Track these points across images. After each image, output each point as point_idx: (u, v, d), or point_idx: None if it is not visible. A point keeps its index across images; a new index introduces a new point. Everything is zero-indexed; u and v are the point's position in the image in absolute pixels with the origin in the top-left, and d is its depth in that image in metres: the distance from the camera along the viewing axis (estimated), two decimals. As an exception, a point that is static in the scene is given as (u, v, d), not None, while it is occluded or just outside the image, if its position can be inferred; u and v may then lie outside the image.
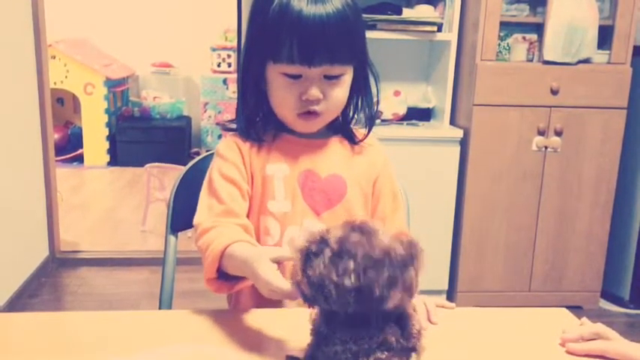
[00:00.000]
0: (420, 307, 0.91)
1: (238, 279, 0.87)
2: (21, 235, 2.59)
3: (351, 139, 1.04)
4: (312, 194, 0.99)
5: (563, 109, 2.41)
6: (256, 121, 1.01)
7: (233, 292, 0.93)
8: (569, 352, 0.82)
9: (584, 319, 0.89)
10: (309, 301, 0.64)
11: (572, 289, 2.58)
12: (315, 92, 0.92)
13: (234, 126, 1.02)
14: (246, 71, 0.98)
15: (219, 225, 0.91)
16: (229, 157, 0.99)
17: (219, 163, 0.99)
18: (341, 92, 0.95)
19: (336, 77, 0.93)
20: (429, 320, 0.90)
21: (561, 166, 2.46)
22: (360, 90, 1.00)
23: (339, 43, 0.91)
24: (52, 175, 2.89)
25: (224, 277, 0.89)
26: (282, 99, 0.95)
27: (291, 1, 0.89)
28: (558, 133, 2.43)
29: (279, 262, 0.75)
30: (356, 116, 1.03)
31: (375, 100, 1.03)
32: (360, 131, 1.05)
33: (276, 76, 0.93)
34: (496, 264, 2.53)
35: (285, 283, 0.70)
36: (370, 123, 1.03)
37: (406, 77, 2.74)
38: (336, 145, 1.03)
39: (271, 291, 0.72)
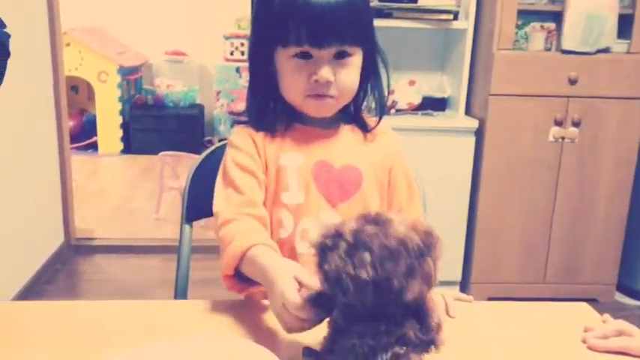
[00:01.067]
0: (439, 299, 0.90)
1: (252, 282, 0.86)
2: (36, 222, 2.61)
3: (363, 127, 1.03)
4: (327, 185, 0.98)
5: (581, 99, 2.37)
6: (267, 112, 1.00)
7: (243, 294, 0.93)
8: (590, 349, 0.81)
9: (607, 316, 0.87)
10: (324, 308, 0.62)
11: (588, 282, 2.55)
12: (325, 73, 0.91)
13: (246, 118, 1.01)
14: (255, 60, 0.98)
15: (239, 219, 0.91)
16: (243, 147, 0.98)
17: (233, 154, 0.98)
18: (351, 74, 0.94)
19: (346, 57, 0.92)
20: (448, 314, 0.89)
21: (578, 158, 2.43)
22: (370, 76, 0.99)
23: (347, 23, 0.90)
24: (67, 163, 2.91)
25: (239, 275, 0.88)
26: (292, 81, 0.94)
27: None
28: (576, 124, 2.39)
29: (300, 284, 0.72)
30: (366, 103, 1.02)
31: (386, 87, 1.01)
32: (372, 120, 1.04)
33: (286, 61, 0.93)
34: (511, 255, 2.51)
35: (297, 298, 0.69)
36: (381, 110, 1.02)
37: (421, 66, 2.71)
38: (348, 134, 1.02)
39: (280, 306, 0.71)
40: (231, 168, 0.97)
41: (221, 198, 0.95)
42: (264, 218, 0.94)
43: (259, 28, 0.97)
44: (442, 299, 0.91)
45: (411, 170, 1.06)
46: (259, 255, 0.83)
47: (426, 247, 0.61)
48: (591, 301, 2.45)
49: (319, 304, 0.67)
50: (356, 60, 0.94)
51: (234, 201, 0.94)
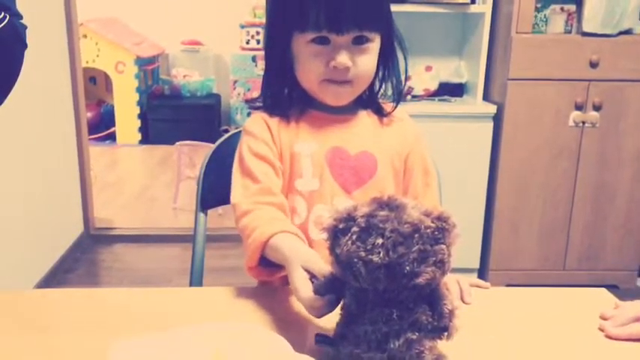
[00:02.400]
0: (454, 286, 0.89)
1: (279, 266, 0.86)
2: (56, 212, 2.65)
3: (379, 112, 1.02)
4: (342, 172, 0.97)
5: (602, 82, 2.32)
6: (282, 97, 0.99)
7: (273, 279, 0.92)
8: (608, 337, 0.80)
9: (618, 302, 0.86)
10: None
11: (609, 268, 2.52)
12: (343, 59, 0.90)
13: (260, 104, 1.01)
14: (272, 46, 0.97)
15: (258, 208, 0.90)
16: (258, 134, 0.97)
17: (248, 141, 0.98)
18: (369, 60, 0.93)
19: (365, 42, 0.91)
20: (462, 300, 0.88)
21: (599, 142, 2.38)
22: (387, 61, 0.98)
23: (366, 9, 0.89)
24: (86, 154, 2.94)
25: (265, 261, 0.88)
26: (309, 67, 0.92)
27: None
28: (597, 108, 2.34)
29: (309, 271, 0.73)
30: (383, 89, 1.00)
31: (403, 73, 1.00)
32: (388, 105, 1.02)
33: (304, 46, 0.92)
34: (530, 242, 2.48)
35: (307, 292, 0.69)
36: (398, 96, 1.00)
37: (438, 52, 2.68)
38: (364, 119, 1.01)
39: (297, 297, 0.72)
40: (247, 156, 0.96)
41: (239, 188, 0.95)
42: (283, 205, 0.93)
43: (276, 13, 0.96)
44: (457, 285, 0.90)
45: (428, 157, 1.04)
46: (279, 243, 0.83)
47: (440, 232, 0.60)
48: (612, 287, 2.42)
49: (329, 291, 0.67)
50: (374, 46, 0.93)
51: (251, 190, 0.93)
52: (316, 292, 0.68)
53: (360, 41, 0.91)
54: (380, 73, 0.98)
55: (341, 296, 0.66)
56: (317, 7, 0.88)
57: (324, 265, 0.71)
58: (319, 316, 0.70)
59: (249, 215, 0.90)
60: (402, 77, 1.00)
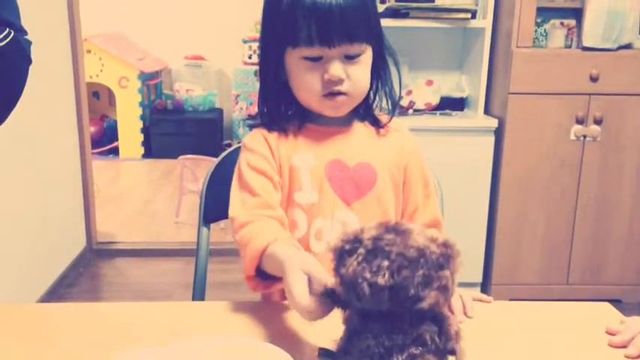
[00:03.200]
0: (456, 300, 0.89)
1: (276, 278, 0.86)
2: (59, 227, 2.65)
3: (376, 123, 1.03)
4: (341, 184, 0.98)
5: (603, 96, 2.33)
6: (279, 112, 1.00)
7: (269, 291, 0.93)
8: (627, 356, 0.79)
9: (623, 318, 0.85)
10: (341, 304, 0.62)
11: (612, 282, 2.51)
12: (336, 70, 0.91)
13: (258, 120, 1.02)
14: (265, 62, 0.98)
15: (256, 220, 0.91)
16: (257, 149, 0.98)
17: (247, 156, 0.98)
18: (362, 71, 0.94)
19: (356, 56, 0.93)
20: (465, 314, 0.88)
21: (601, 156, 2.39)
22: (380, 71, 0.99)
23: (356, 22, 0.91)
24: (89, 168, 2.95)
25: (262, 274, 0.88)
26: (306, 83, 0.94)
27: None
28: (598, 122, 2.35)
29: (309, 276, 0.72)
30: (377, 100, 1.01)
31: (396, 83, 1.01)
32: (384, 117, 1.03)
33: (297, 62, 0.93)
34: (532, 256, 2.48)
35: (305, 298, 0.69)
36: (393, 106, 1.01)
37: (439, 66, 2.70)
38: (361, 130, 1.02)
39: (292, 301, 0.71)
40: (245, 171, 0.97)
41: (237, 202, 0.96)
42: (281, 218, 0.94)
43: (268, 30, 0.97)
44: (459, 299, 0.90)
45: (427, 168, 1.05)
46: (276, 251, 0.83)
47: (445, 258, 0.60)
48: (616, 301, 2.41)
49: (328, 301, 0.67)
50: (366, 57, 0.95)
51: (249, 204, 0.94)
52: (314, 295, 0.68)
53: (351, 55, 0.92)
54: (373, 85, 1.00)
55: (338, 305, 0.66)
56: (307, 22, 0.89)
57: (323, 270, 0.71)
58: (311, 320, 0.70)
59: (247, 226, 0.90)
60: (397, 88, 1.01)
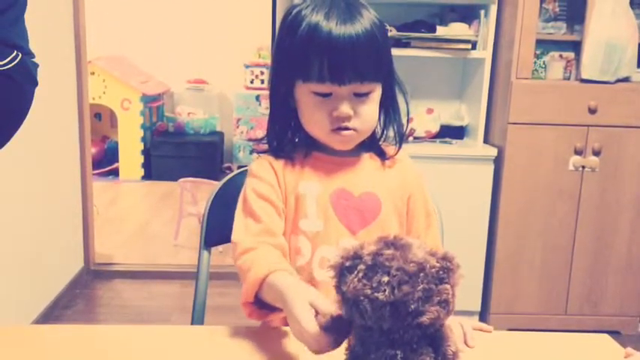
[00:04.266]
0: (457, 329, 0.89)
1: (272, 308, 0.87)
2: (57, 247, 2.64)
3: (382, 155, 1.04)
4: (346, 213, 0.99)
5: (601, 128, 2.36)
6: (287, 140, 1.01)
7: (265, 320, 0.93)
8: None
9: (630, 350, 0.85)
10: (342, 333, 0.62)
11: (610, 313, 2.50)
12: (345, 109, 0.92)
13: (265, 146, 1.03)
14: (275, 89, 0.99)
15: (258, 247, 0.91)
16: (263, 177, 0.99)
17: (253, 183, 0.99)
18: (371, 109, 0.96)
19: (366, 95, 0.94)
20: (466, 343, 0.88)
21: (599, 187, 2.40)
22: (389, 107, 1.01)
23: (368, 62, 0.92)
24: (89, 189, 2.95)
25: (259, 303, 0.89)
26: (314, 118, 0.95)
27: (319, 21, 0.90)
28: (596, 153, 2.37)
29: (316, 310, 0.72)
30: (385, 133, 1.03)
31: (404, 116, 1.02)
32: (390, 148, 1.05)
33: (306, 95, 0.94)
34: (531, 286, 2.47)
35: (314, 327, 0.69)
36: (400, 140, 1.03)
37: (439, 95, 2.73)
38: (367, 162, 1.03)
39: (299, 332, 0.71)
40: (250, 197, 0.98)
41: (240, 227, 0.96)
42: (283, 246, 0.95)
43: (280, 60, 0.98)
44: (460, 328, 0.90)
45: (429, 198, 1.06)
46: (278, 280, 0.83)
47: (445, 272, 0.60)
48: (614, 333, 2.40)
49: (336, 330, 0.67)
50: (375, 95, 0.96)
51: (252, 230, 0.94)
52: (323, 328, 0.68)
53: (360, 93, 0.93)
54: (382, 119, 1.01)
55: (345, 336, 0.66)
56: (320, 58, 0.90)
57: (329, 303, 0.71)
58: (321, 353, 0.69)
59: (249, 253, 0.91)
60: (404, 120, 1.02)
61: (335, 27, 0.90)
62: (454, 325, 0.88)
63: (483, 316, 2.52)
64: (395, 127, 1.02)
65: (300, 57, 0.92)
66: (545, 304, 2.48)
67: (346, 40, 0.89)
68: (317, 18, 0.91)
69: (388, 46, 0.98)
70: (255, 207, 0.96)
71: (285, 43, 0.95)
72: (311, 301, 0.73)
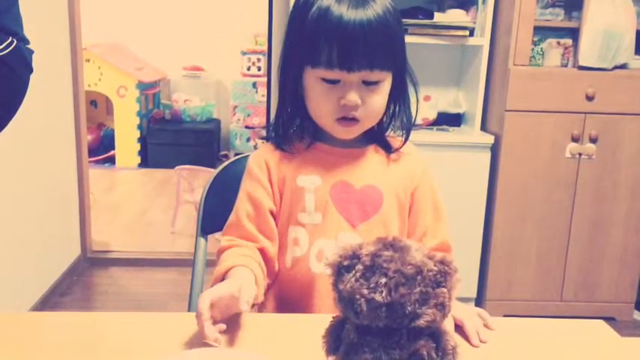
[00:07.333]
0: (475, 320, 0.88)
1: None
2: (54, 235, 2.64)
3: (387, 148, 1.01)
4: (346, 206, 0.97)
5: (598, 115, 2.36)
6: (292, 127, 1.00)
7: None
8: None
9: None
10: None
11: (606, 300, 2.51)
12: (353, 97, 0.90)
13: (268, 132, 1.02)
14: (284, 74, 0.97)
15: (236, 246, 0.96)
16: (255, 175, 0.99)
17: (246, 180, 1.01)
18: (379, 99, 0.94)
19: (375, 83, 0.92)
20: (480, 339, 0.86)
21: (596, 174, 2.41)
22: (399, 97, 0.98)
23: (379, 49, 0.89)
24: (85, 176, 2.95)
25: None
26: (321, 104, 0.93)
27: (331, 5, 0.88)
28: (593, 140, 2.37)
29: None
30: (392, 124, 1.01)
31: (414, 108, 1.00)
32: (396, 139, 1.02)
33: (315, 81, 0.92)
34: (527, 272, 2.48)
35: (203, 306, 0.77)
36: (407, 132, 1.00)
37: (437, 82, 2.72)
38: (372, 154, 1.01)
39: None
40: (241, 196, 1.00)
41: (231, 222, 1.00)
42: (264, 249, 0.97)
43: (290, 46, 0.96)
44: (476, 320, 0.88)
45: (437, 191, 1.04)
46: (232, 274, 0.89)
47: (442, 276, 0.61)
48: (609, 319, 2.41)
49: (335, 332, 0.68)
50: (384, 85, 0.93)
51: (234, 232, 0.98)
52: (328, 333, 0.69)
53: (369, 81, 0.91)
54: (390, 110, 0.98)
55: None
56: (329, 44, 0.88)
57: (228, 289, 0.80)
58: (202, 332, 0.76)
59: (227, 251, 0.96)
60: (413, 112, 1.00)
61: (346, 11, 0.87)
62: (472, 317, 0.87)
63: (480, 302, 2.54)
64: (403, 119, 0.99)
65: (309, 42, 0.90)
66: (541, 290, 2.50)
67: (357, 26, 0.87)
68: (328, 2, 0.89)
69: (401, 33, 0.95)
70: (244, 208, 0.98)
71: (296, 26, 0.93)
72: (212, 299, 0.78)
